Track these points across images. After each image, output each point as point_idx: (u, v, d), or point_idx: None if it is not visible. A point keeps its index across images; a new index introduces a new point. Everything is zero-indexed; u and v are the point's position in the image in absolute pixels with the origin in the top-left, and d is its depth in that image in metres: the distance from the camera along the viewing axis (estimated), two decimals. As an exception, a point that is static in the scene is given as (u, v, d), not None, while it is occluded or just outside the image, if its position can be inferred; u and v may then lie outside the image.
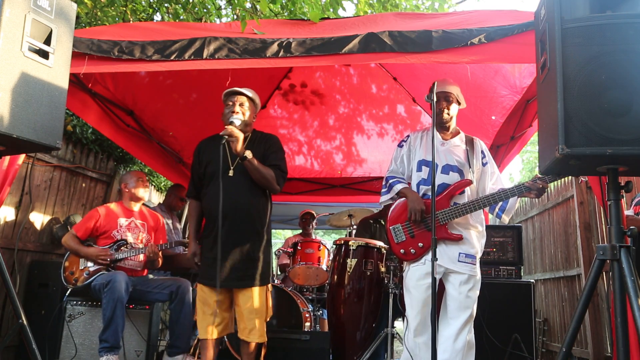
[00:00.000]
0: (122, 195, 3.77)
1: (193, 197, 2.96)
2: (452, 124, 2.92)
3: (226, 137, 2.59)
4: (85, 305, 3.43)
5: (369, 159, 5.81)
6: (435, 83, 2.61)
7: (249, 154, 2.66)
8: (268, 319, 2.81)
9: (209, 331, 2.74)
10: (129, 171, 3.91)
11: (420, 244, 2.71)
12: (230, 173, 2.75)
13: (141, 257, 3.58)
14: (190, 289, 3.56)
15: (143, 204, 3.82)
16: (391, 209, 2.90)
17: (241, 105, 2.82)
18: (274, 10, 5.79)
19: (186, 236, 4.19)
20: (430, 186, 2.76)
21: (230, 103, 2.82)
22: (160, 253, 3.63)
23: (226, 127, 2.65)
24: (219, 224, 2.61)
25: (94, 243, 3.51)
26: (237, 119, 2.74)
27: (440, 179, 2.75)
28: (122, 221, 3.60)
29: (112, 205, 3.68)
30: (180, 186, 4.79)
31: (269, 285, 2.86)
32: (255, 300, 2.72)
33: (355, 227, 4.66)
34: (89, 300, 3.42)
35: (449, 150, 2.85)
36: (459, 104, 2.91)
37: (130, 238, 3.56)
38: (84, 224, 3.51)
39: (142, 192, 3.72)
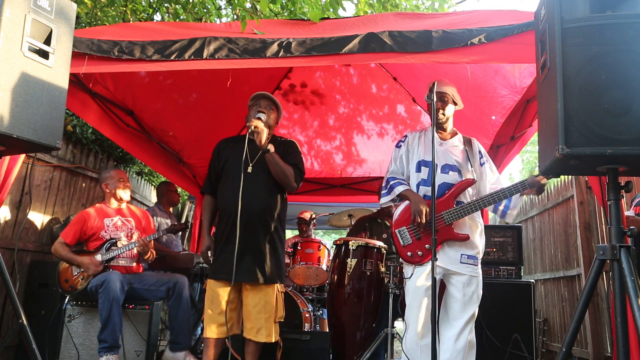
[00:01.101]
0: (104, 196, 3.76)
1: (208, 193, 3.01)
2: (449, 125, 2.92)
3: (252, 128, 2.66)
4: (85, 306, 3.43)
5: (369, 159, 5.81)
6: (435, 83, 2.61)
7: (271, 147, 2.74)
8: (278, 320, 2.80)
9: (214, 330, 2.74)
10: (108, 170, 3.87)
11: (427, 246, 2.69)
12: (249, 169, 2.80)
13: (134, 251, 3.58)
14: (187, 284, 3.56)
15: (132, 199, 3.82)
16: (396, 211, 2.89)
17: (267, 107, 2.92)
18: (274, 10, 5.79)
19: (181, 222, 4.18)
20: (430, 187, 2.77)
21: (256, 105, 2.92)
22: (151, 244, 3.64)
23: (252, 119, 2.73)
24: (237, 219, 2.64)
25: (84, 247, 3.51)
26: (263, 116, 2.83)
27: (440, 178, 2.74)
28: (109, 221, 3.60)
29: (97, 207, 3.68)
30: (169, 182, 4.82)
31: (280, 286, 2.86)
32: (264, 298, 2.73)
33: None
34: (88, 300, 3.42)
35: (447, 150, 2.84)
36: (456, 104, 2.91)
37: (120, 236, 3.56)
38: (71, 230, 3.49)
39: (122, 193, 3.71)
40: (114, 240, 3.51)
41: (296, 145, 3.02)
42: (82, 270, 3.41)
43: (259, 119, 2.77)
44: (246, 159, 2.81)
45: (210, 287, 2.79)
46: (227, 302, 2.74)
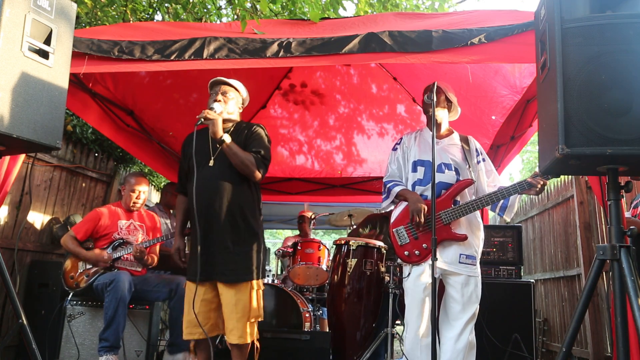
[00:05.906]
0: (123, 197, 3.76)
1: (180, 192, 2.89)
2: (444, 123, 2.91)
3: (202, 119, 2.53)
4: (85, 305, 3.44)
5: (369, 159, 5.81)
6: (435, 83, 2.62)
7: (227, 137, 2.57)
8: (254, 320, 2.61)
9: (188, 332, 2.64)
10: (138, 173, 3.90)
11: (425, 245, 2.69)
12: (211, 163, 2.64)
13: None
14: None
15: None
16: (394, 211, 2.89)
17: (224, 94, 2.75)
18: (274, 10, 5.78)
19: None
20: (426, 186, 2.77)
21: (214, 92, 2.78)
22: (157, 247, 3.64)
23: (203, 110, 2.58)
24: (201, 216, 2.54)
25: (92, 244, 3.52)
26: (218, 106, 2.68)
27: (436, 177, 2.71)
28: (123, 223, 3.61)
29: (112, 207, 3.68)
30: (175, 184, 4.81)
31: (258, 283, 2.66)
32: (235, 297, 2.55)
33: (354, 226, 4.66)
34: (89, 300, 3.43)
35: (443, 149, 2.83)
36: (450, 102, 2.89)
37: (130, 239, 3.57)
38: (84, 226, 3.51)
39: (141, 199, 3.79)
40: (122, 241, 3.52)
41: (260, 130, 2.78)
42: (88, 267, 3.41)
43: (212, 108, 2.63)
44: (207, 152, 2.66)
45: (188, 287, 2.66)
46: (204, 301, 2.61)
